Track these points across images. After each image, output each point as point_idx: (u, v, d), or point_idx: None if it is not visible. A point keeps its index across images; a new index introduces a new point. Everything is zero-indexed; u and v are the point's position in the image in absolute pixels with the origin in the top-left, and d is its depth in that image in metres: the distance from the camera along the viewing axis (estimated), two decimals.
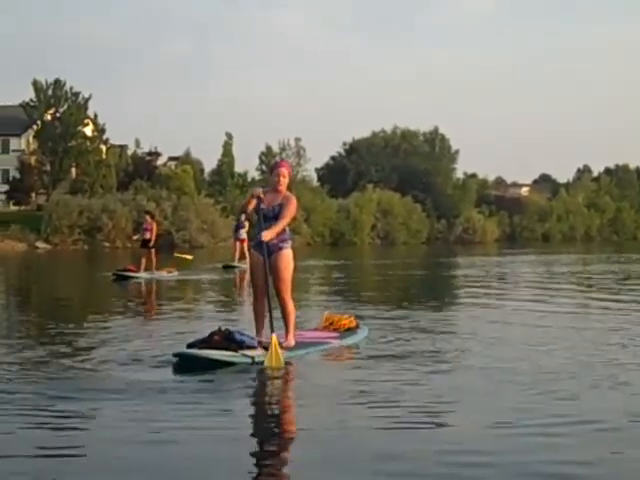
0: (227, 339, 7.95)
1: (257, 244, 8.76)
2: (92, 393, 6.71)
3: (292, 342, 8.68)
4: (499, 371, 7.58)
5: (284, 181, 8.84)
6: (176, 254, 31.64)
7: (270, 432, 5.82)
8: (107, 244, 62.86)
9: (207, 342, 7.94)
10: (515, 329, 10.88)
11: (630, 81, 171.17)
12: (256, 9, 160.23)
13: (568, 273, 25.57)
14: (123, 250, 22.72)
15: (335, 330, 9.68)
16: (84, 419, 5.98)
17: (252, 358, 7.79)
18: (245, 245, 27.47)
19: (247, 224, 28.02)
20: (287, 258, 8.78)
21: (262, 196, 8.71)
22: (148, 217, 24.93)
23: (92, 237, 64.50)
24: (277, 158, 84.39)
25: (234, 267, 27.24)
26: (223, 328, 8.23)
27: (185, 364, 7.76)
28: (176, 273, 23.36)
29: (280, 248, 8.74)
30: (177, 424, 5.72)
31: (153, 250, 23.58)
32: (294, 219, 9.21)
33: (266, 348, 7.91)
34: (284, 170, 8.94)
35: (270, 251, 8.64)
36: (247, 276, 22.47)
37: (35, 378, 7.39)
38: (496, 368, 7.71)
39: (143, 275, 22.56)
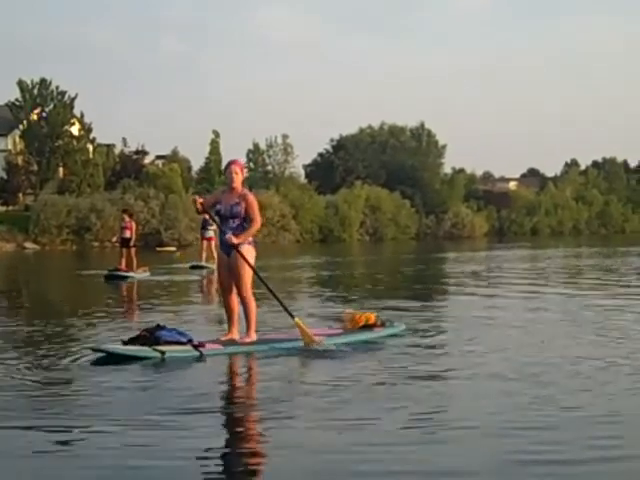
0: (151, 334, 8.37)
1: (221, 244, 9.07)
2: None
3: (253, 337, 8.91)
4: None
5: (237, 178, 9.09)
6: (158, 249, 31.47)
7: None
8: (96, 244, 62.69)
9: (137, 338, 8.41)
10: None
11: (619, 76, 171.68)
12: (243, 6, 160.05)
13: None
14: (112, 249, 22.63)
15: (351, 328, 9.59)
16: None
17: (162, 353, 8.13)
18: (213, 244, 26.56)
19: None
20: (244, 255, 8.91)
21: (199, 200, 9.08)
22: (126, 216, 24.41)
23: (81, 237, 64.32)
24: (268, 160, 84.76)
25: (202, 267, 26.15)
26: (161, 324, 8.69)
27: (105, 358, 8.17)
28: (148, 273, 22.91)
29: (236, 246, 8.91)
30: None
31: (133, 249, 23.42)
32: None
33: (198, 346, 8.31)
34: (236, 167, 9.20)
35: (229, 249, 8.92)
36: (213, 277, 22.40)
37: None
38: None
39: (137, 275, 22.35)
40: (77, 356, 8.52)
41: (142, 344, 8.27)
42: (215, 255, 26.34)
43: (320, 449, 5.05)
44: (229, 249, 8.94)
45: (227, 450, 5.25)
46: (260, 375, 7.70)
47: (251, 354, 8.44)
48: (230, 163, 9.33)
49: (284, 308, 9.03)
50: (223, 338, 8.93)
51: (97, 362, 8.11)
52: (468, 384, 6.91)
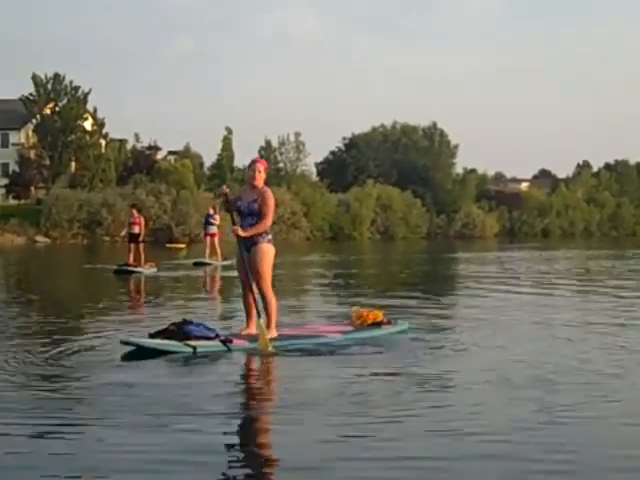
0: (179, 329, 8.41)
1: (239, 239, 9.03)
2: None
3: (274, 333, 8.91)
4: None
5: (259, 176, 9.11)
6: (168, 245, 31.49)
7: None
8: (107, 238, 62.83)
9: (163, 332, 8.44)
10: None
11: (630, 77, 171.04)
12: (258, 5, 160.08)
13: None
14: (122, 244, 22.75)
15: (360, 325, 9.74)
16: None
17: (194, 348, 8.17)
18: (216, 240, 26.73)
19: (218, 218, 27.19)
20: (263, 252, 9.00)
21: (227, 192, 9.12)
22: (135, 211, 24.30)
23: (92, 231, 64.46)
24: (279, 157, 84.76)
25: (206, 264, 25.88)
26: (188, 319, 8.75)
27: (135, 351, 8.19)
28: (155, 269, 22.93)
29: (256, 242, 8.99)
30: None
31: (142, 244, 23.42)
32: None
33: (226, 341, 8.37)
34: (260, 165, 9.23)
35: (248, 245, 8.97)
36: (216, 274, 22.43)
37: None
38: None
39: (145, 270, 22.40)
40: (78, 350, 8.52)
41: (168, 338, 8.31)
42: (218, 251, 26.55)
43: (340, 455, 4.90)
44: (249, 245, 8.98)
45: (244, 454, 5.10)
46: (279, 375, 7.63)
47: (274, 352, 8.37)
48: (254, 161, 9.36)
49: (255, 305, 8.94)
50: (243, 333, 8.99)
51: (109, 358, 8.06)
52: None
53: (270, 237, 9.12)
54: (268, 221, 8.98)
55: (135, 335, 8.93)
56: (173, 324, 8.58)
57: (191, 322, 8.62)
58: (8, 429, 5.37)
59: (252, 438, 5.49)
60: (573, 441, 5.13)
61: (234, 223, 9.09)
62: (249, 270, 8.94)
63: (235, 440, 5.34)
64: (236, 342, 8.50)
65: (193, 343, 8.21)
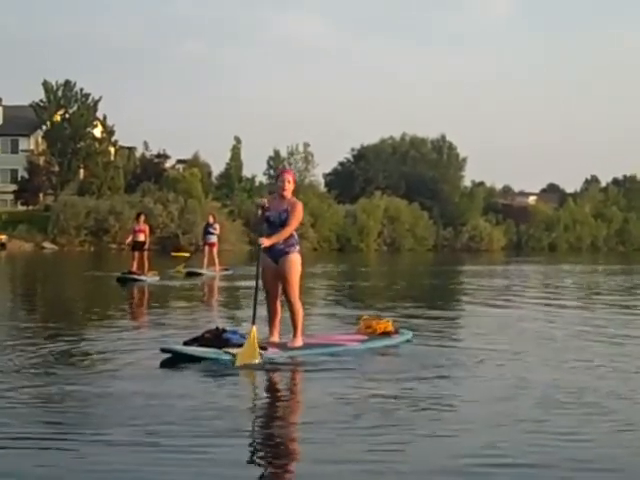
0: (216, 337, 8.51)
1: (269, 250, 9.10)
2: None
3: (300, 342, 9.07)
4: None
5: (289, 187, 9.22)
6: (173, 254, 31.50)
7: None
8: (113, 245, 62.97)
9: (198, 339, 8.55)
10: None
11: None
12: (270, 11, 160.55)
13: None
14: (129, 252, 22.85)
15: (370, 334, 9.96)
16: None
17: (233, 355, 8.20)
18: (215, 250, 26.48)
19: (218, 227, 27.01)
20: (293, 262, 9.12)
21: (267, 205, 9.14)
22: (142, 219, 24.11)
23: (99, 238, 64.62)
24: (282, 166, 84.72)
25: (198, 274, 25.28)
26: (221, 327, 8.87)
27: (173, 358, 8.27)
28: (157, 278, 22.97)
29: (286, 252, 9.10)
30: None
31: (146, 253, 23.49)
32: (301, 224, 9.57)
33: (260, 348, 8.37)
34: (289, 176, 9.36)
35: (277, 255, 9.07)
36: (214, 283, 22.44)
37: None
38: None
39: (148, 278, 22.50)
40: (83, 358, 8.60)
41: (203, 345, 8.40)
42: (217, 261, 26.48)
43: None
44: (278, 255, 9.08)
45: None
46: (305, 389, 7.60)
47: (301, 362, 8.46)
48: (283, 172, 9.57)
49: (253, 312, 8.88)
50: (267, 341, 9.01)
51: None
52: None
53: (299, 247, 9.30)
54: (291, 229, 9.07)
55: (139, 341, 8.99)
56: (208, 332, 8.70)
57: (225, 330, 8.75)
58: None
59: (270, 456, 5.36)
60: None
61: (260, 234, 9.13)
62: (278, 279, 9.06)
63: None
64: (271, 350, 8.60)
65: (233, 351, 8.28)
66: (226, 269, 27.38)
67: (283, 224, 9.05)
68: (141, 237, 23.47)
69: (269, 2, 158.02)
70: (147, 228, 23.88)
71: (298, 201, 9.29)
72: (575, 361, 8.78)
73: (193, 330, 9.93)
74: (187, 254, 29.15)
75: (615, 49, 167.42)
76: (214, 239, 26.66)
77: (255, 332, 8.39)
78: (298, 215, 9.13)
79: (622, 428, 5.91)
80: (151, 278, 22.62)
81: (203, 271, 25.82)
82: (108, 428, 5.62)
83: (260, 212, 9.17)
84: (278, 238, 8.99)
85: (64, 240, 63.17)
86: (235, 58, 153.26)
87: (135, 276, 22.29)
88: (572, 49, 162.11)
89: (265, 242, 8.94)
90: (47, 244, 61.78)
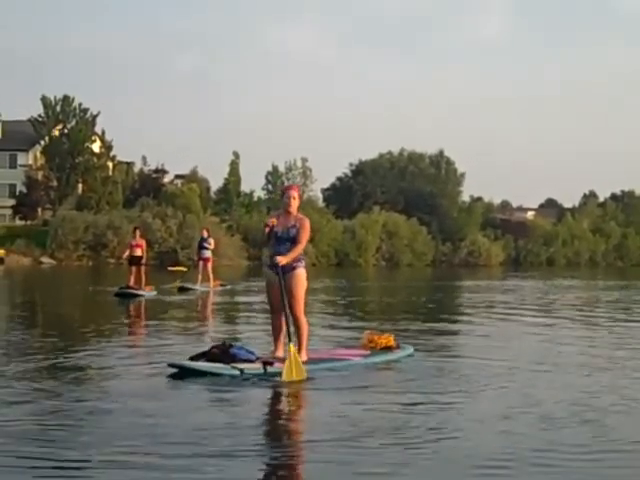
0: (223, 352, 8.59)
1: (272, 264, 9.19)
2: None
3: (305, 357, 9.09)
4: None
5: (294, 203, 9.44)
6: (170, 269, 31.51)
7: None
8: (112, 260, 62.94)
9: (205, 354, 8.62)
10: None
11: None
12: (267, 26, 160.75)
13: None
14: (127, 267, 22.82)
15: (372, 349, 10.07)
16: None
17: (241, 370, 8.35)
18: (209, 265, 26.30)
19: (212, 241, 26.80)
20: (300, 277, 9.29)
21: (275, 223, 9.28)
22: (138, 233, 24.17)
23: (97, 253, 64.60)
24: (287, 182, 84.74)
25: (189, 289, 25.33)
26: (227, 343, 8.97)
27: (181, 373, 8.31)
28: (155, 292, 22.99)
29: (293, 268, 9.25)
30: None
31: (144, 267, 23.50)
32: (309, 240, 9.66)
33: (266, 363, 8.51)
34: (294, 192, 9.57)
35: (284, 271, 9.14)
36: (209, 299, 22.39)
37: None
38: None
39: (146, 293, 22.50)
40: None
41: (210, 360, 8.46)
42: (211, 276, 26.37)
43: None
44: (285, 270, 9.13)
45: None
46: (309, 405, 7.60)
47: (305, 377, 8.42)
48: (288, 188, 9.84)
49: (287, 330, 8.98)
50: (272, 356, 9.10)
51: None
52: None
53: (304, 262, 9.45)
54: (302, 245, 9.26)
55: (137, 357, 8.96)
56: (215, 347, 8.78)
57: (232, 345, 8.84)
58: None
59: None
60: None
61: (274, 252, 9.19)
62: (284, 294, 9.06)
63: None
64: (277, 365, 8.60)
65: (240, 366, 8.36)
66: (223, 284, 27.28)
67: (291, 240, 9.20)
68: (138, 252, 23.49)
69: (269, 18, 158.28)
70: (144, 243, 23.88)
71: (305, 217, 9.50)
72: (577, 377, 8.74)
73: (190, 345, 9.88)
74: (184, 269, 29.09)
75: (612, 63, 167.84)
76: (208, 254, 26.43)
77: (294, 349, 8.55)
78: (308, 231, 9.32)
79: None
80: (149, 293, 22.63)
81: (196, 287, 25.66)
82: (104, 447, 5.55)
83: (267, 230, 9.25)
84: (293, 255, 9.12)
85: (62, 255, 63.18)
86: (233, 73, 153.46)
87: (133, 291, 22.28)
88: (571, 65, 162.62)
89: (282, 260, 9.03)
90: (45, 259, 61.76)
